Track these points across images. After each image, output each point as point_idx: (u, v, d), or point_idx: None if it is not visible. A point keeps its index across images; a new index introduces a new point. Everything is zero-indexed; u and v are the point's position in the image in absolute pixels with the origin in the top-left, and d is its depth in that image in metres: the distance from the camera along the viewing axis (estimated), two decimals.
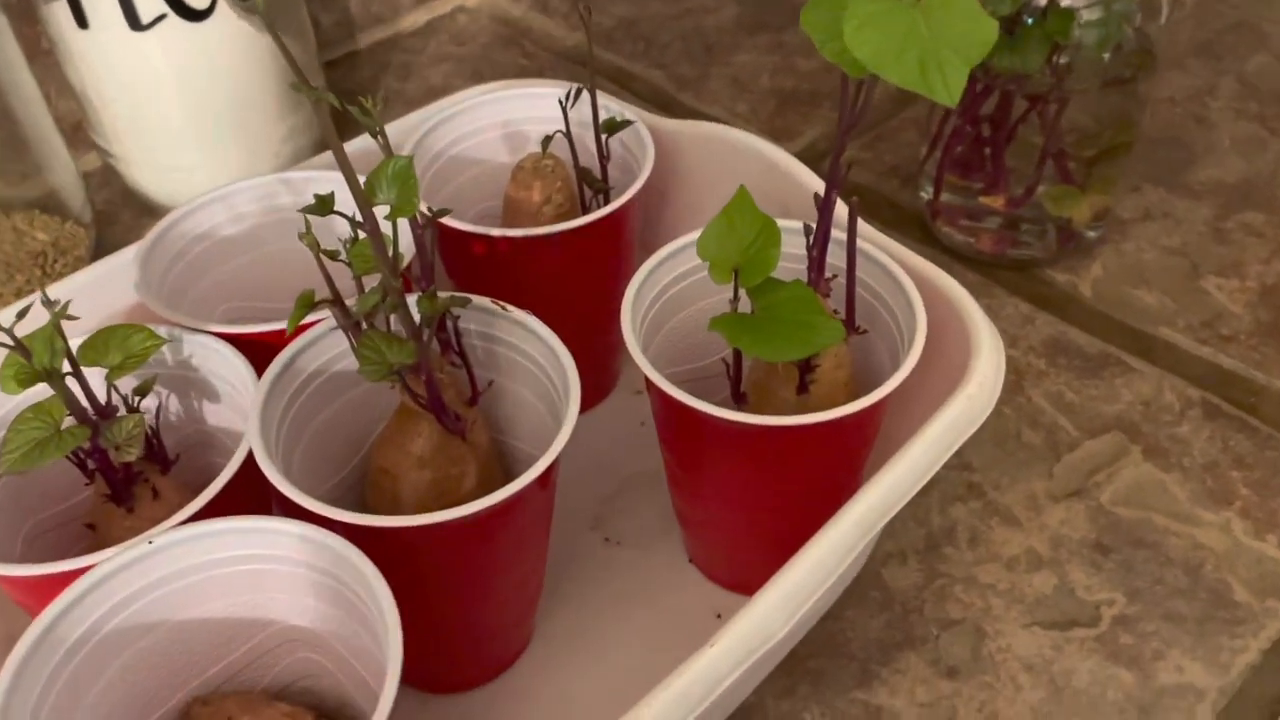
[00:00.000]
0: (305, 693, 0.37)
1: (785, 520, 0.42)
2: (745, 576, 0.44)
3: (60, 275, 0.57)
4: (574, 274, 0.47)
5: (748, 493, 0.40)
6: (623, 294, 0.51)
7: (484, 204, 0.51)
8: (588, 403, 0.54)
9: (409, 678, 0.42)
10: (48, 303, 0.33)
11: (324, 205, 0.33)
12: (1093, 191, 0.57)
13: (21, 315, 0.32)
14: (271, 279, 0.47)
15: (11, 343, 0.32)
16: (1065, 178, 0.57)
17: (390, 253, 0.33)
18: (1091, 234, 0.60)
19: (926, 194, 0.61)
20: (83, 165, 0.65)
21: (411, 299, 0.37)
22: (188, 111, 0.59)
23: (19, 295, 0.56)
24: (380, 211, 0.32)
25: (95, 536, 0.38)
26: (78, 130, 0.65)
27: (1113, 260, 0.59)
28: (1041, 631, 0.43)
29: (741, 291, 0.36)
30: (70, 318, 0.33)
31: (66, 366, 0.34)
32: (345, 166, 0.30)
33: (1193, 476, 0.48)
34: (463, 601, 0.38)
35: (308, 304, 0.35)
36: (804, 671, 0.42)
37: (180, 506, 0.38)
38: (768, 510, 0.41)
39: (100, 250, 0.61)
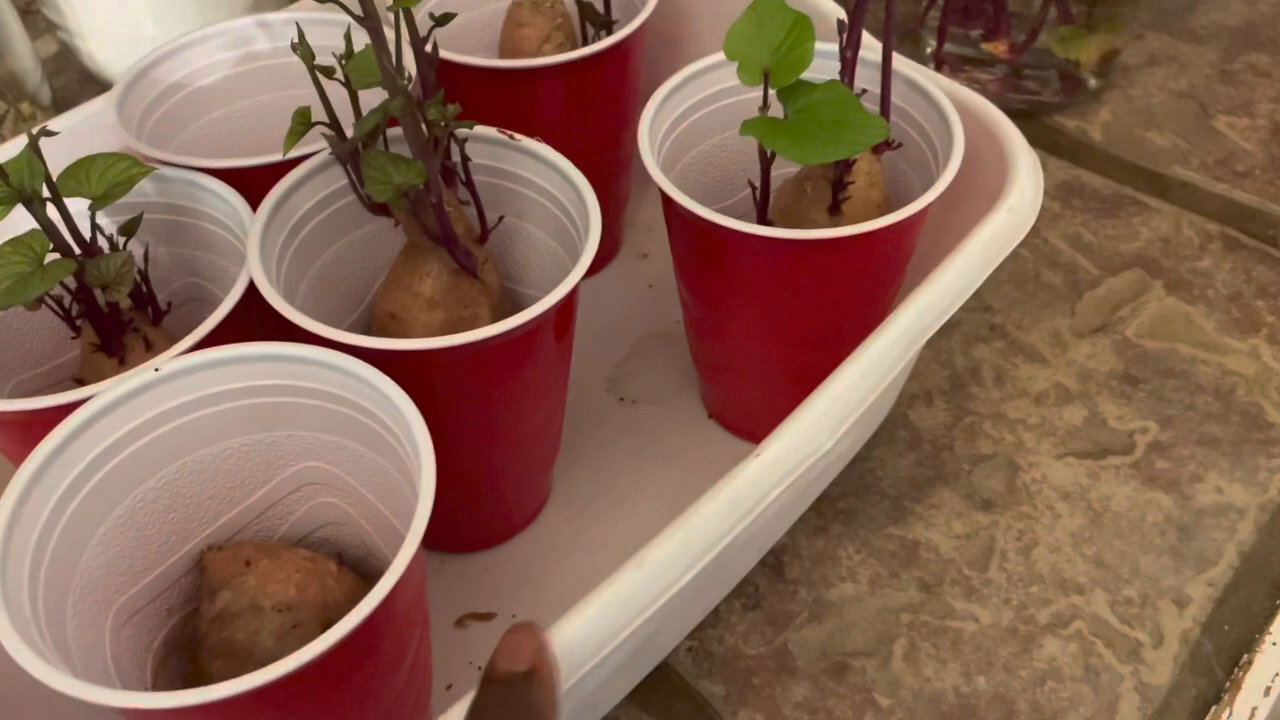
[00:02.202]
0: (325, 542, 0.35)
1: (812, 357, 0.40)
2: (768, 425, 0.42)
3: None
4: (576, 119, 0.44)
5: (778, 324, 0.38)
6: (626, 147, 0.49)
7: (477, 54, 0.48)
8: (592, 266, 0.52)
9: (427, 535, 0.41)
10: (26, 130, 0.30)
11: None
12: (1099, 32, 0.55)
13: None
14: (252, 134, 0.44)
15: None
16: (1066, 18, 0.55)
17: (394, 56, 0.30)
18: (1094, 81, 0.58)
19: (930, 46, 0.59)
20: (38, 51, 0.61)
21: None
22: None
23: None
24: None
25: None
26: (29, 14, 0.61)
27: (1121, 105, 0.57)
28: (1076, 461, 0.42)
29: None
30: (49, 133, 0.30)
31: (46, 194, 0.31)
32: None
33: (1217, 307, 0.47)
34: (480, 443, 0.36)
35: (305, 122, 0.32)
36: (836, 511, 0.41)
37: None
38: (796, 344, 0.39)
39: None
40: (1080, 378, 0.45)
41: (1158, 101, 0.57)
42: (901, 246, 0.36)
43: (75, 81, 0.62)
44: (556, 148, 0.40)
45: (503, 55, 0.45)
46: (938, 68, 0.59)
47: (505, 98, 0.42)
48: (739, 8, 0.47)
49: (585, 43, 0.46)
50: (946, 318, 0.33)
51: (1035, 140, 0.56)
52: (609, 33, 0.45)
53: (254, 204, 0.36)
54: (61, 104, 0.60)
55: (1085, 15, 0.55)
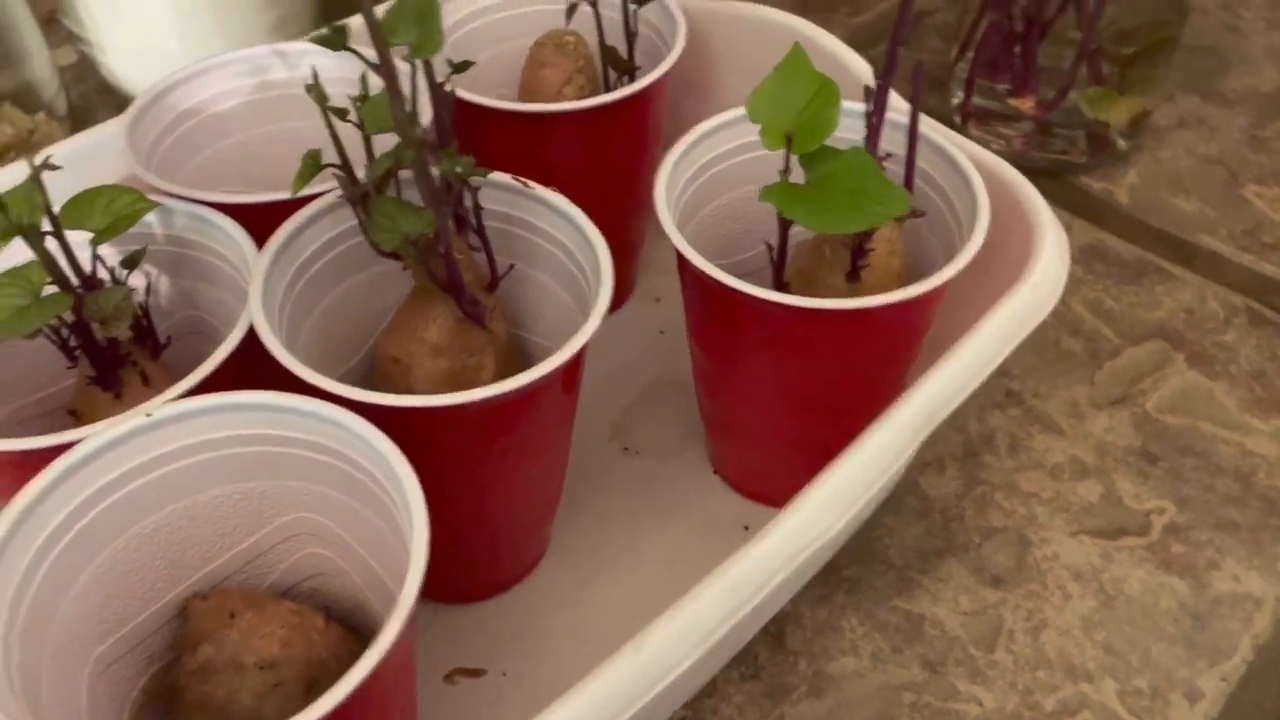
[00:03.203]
0: (314, 593, 0.34)
1: (823, 423, 0.39)
2: (775, 487, 0.42)
3: None
4: (594, 163, 0.43)
5: (788, 389, 0.37)
6: (644, 190, 0.48)
7: (498, 90, 0.47)
8: None
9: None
10: (29, 161, 0.29)
11: (338, 37, 0.29)
12: (1131, 93, 0.55)
13: None
14: (265, 162, 0.43)
15: None
16: (1097, 78, 0.54)
17: (410, 104, 0.30)
18: (1123, 142, 0.57)
19: (958, 98, 0.58)
20: (57, 60, 0.61)
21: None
22: None
23: None
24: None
25: (79, 424, 0.35)
26: (50, 23, 0.61)
27: (1149, 168, 0.56)
28: (1089, 540, 0.41)
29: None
30: (52, 167, 0.29)
31: (48, 226, 0.30)
32: None
33: (1240, 384, 0.46)
34: (479, 496, 0.35)
35: (315, 164, 0.32)
36: (840, 580, 0.40)
37: None
38: (806, 410, 0.38)
39: None
40: (1097, 452, 0.43)
41: (1186, 166, 0.56)
42: (920, 318, 0.35)
43: (94, 91, 0.62)
44: (573, 191, 0.39)
45: (523, 94, 0.44)
46: (964, 120, 0.58)
47: (523, 139, 0.42)
48: (764, 54, 0.46)
49: (607, 85, 0.45)
50: (963, 399, 0.32)
51: (1060, 201, 0.55)
52: (631, 77, 0.44)
53: (259, 238, 0.35)
54: (79, 113, 0.60)
55: (1117, 76, 0.54)
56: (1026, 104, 0.57)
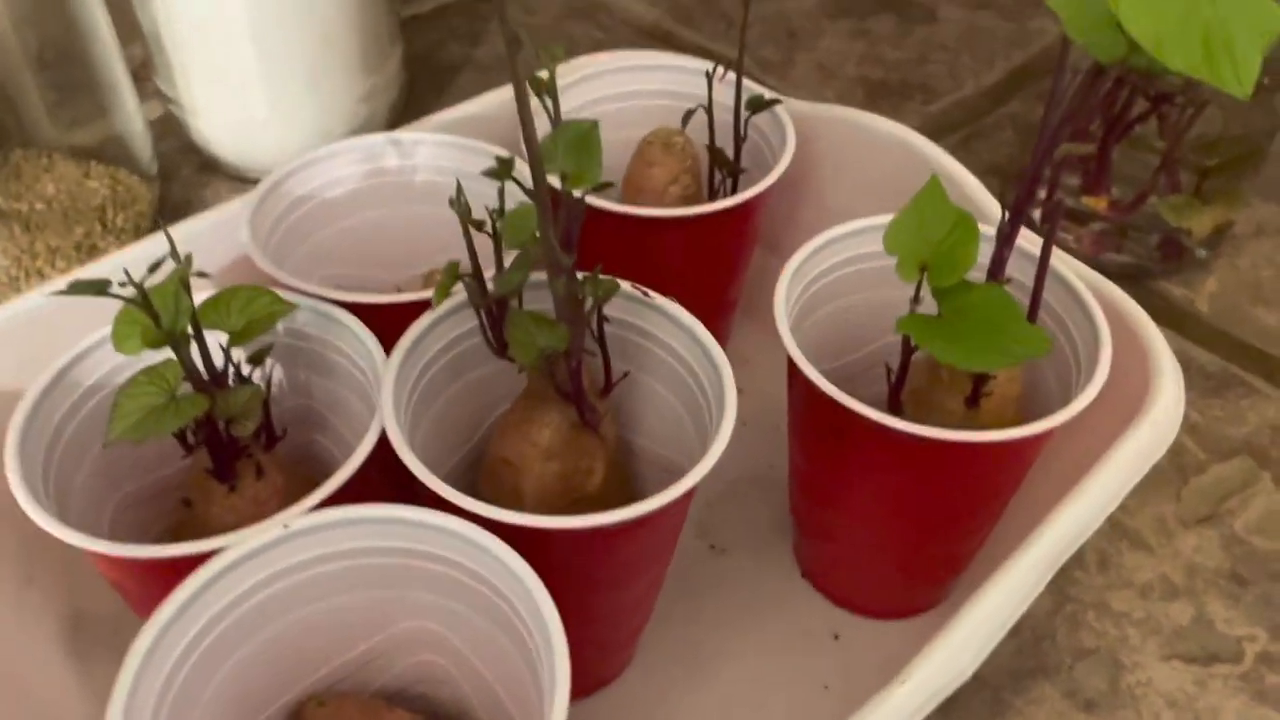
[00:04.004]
0: (420, 699, 0.34)
1: (924, 540, 0.39)
2: (866, 596, 0.42)
3: (121, 229, 0.54)
4: (694, 264, 0.44)
5: (892, 506, 0.37)
6: (737, 290, 0.48)
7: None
8: None
9: None
10: (176, 255, 0.30)
11: (505, 170, 0.29)
12: (1217, 204, 0.55)
13: (154, 268, 0.28)
14: (370, 246, 0.44)
15: (137, 298, 0.28)
16: (1174, 186, 0.55)
17: (556, 229, 0.30)
18: (1202, 251, 0.57)
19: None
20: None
21: None
22: (264, 60, 0.55)
23: (78, 249, 0.52)
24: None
25: (189, 514, 0.35)
26: (139, 78, 0.61)
27: (1228, 276, 0.57)
28: (1182, 666, 0.40)
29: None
30: (202, 274, 0.30)
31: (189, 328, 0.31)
32: (528, 125, 0.27)
33: None
34: (584, 610, 0.35)
35: (455, 275, 0.32)
36: None
37: (284, 487, 0.35)
38: (908, 527, 0.38)
39: (163, 206, 0.58)
40: (1187, 572, 0.43)
41: (1266, 275, 0.57)
42: (1037, 449, 0.35)
43: (176, 150, 0.62)
44: (668, 289, 0.39)
45: (627, 189, 0.45)
46: (1044, 220, 0.58)
47: (626, 238, 0.42)
48: (861, 158, 0.47)
49: (711, 185, 0.45)
50: (1087, 536, 0.32)
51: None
52: (735, 179, 0.44)
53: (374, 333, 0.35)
54: (163, 174, 0.60)
55: (1194, 185, 0.55)
56: (1099, 204, 0.57)
